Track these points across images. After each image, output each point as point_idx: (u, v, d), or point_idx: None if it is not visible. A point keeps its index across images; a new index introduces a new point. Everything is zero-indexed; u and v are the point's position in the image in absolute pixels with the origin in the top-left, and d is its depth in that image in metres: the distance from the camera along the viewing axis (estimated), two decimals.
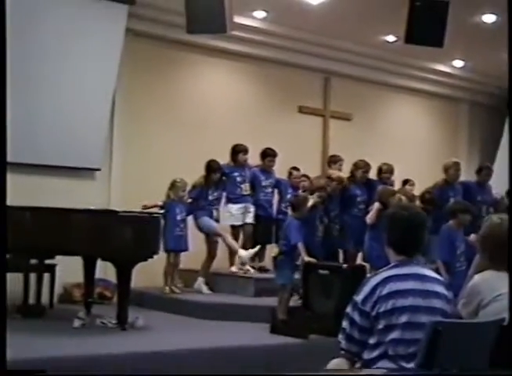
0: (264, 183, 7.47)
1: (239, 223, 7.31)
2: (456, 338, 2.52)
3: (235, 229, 7.36)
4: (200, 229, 7.03)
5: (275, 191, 7.68)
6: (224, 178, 7.16)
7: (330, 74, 9.45)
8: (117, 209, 5.84)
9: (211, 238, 7.09)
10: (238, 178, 7.28)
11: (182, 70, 8.32)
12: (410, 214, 2.79)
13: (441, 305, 2.71)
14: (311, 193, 6.51)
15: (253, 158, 7.52)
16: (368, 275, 4.30)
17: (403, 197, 6.35)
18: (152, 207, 6.68)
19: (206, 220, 6.99)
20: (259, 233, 7.37)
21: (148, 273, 6.48)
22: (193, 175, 7.14)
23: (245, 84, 8.88)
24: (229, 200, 7.27)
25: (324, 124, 9.52)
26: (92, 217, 5.59)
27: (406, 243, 2.74)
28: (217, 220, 7.14)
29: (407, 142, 10.16)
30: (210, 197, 7.05)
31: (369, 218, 6.29)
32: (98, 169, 7.58)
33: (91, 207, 5.71)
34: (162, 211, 6.59)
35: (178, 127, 8.25)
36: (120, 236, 5.48)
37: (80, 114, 7.09)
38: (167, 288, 6.94)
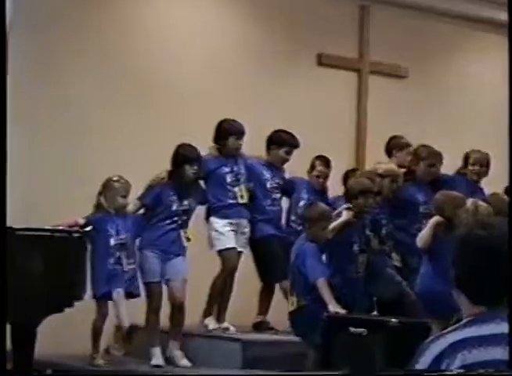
0: (269, 184, 7.49)
1: (230, 246, 7.22)
2: None
3: (226, 257, 7.26)
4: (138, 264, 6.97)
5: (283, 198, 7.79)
6: (200, 179, 7.19)
7: (369, 0, 9.53)
8: (14, 225, 5.66)
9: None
10: (229, 178, 7.26)
11: None
12: (494, 236, 2.70)
13: None
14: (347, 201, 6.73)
15: (246, 145, 7.52)
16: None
17: (482, 207, 6.53)
18: (66, 226, 6.46)
19: (148, 261, 6.85)
20: (265, 265, 7.36)
21: (63, 333, 6.64)
22: (144, 175, 7.08)
23: (233, 16, 8.88)
24: (213, 213, 7.26)
25: (360, 83, 9.50)
26: None
27: (488, 285, 2.68)
28: (167, 254, 7.00)
29: (498, 111, 9.70)
30: (175, 207, 6.92)
31: (421, 239, 6.49)
32: None
33: None
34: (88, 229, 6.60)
35: (115, 93, 8.07)
36: (18, 270, 5.42)
37: None
38: (98, 359, 6.86)
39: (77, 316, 6.14)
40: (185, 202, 6.99)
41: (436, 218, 6.51)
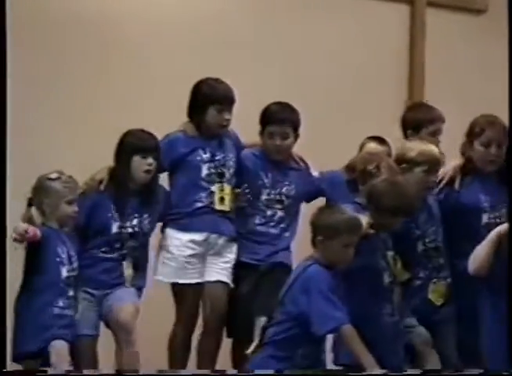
0: (266, 194, 5.62)
1: (194, 281, 5.48)
2: None
3: (183, 295, 5.53)
4: None
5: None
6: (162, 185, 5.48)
7: None
8: None
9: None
10: (204, 168, 5.42)
11: None
12: None
13: None
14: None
15: (241, 122, 5.67)
16: None
17: None
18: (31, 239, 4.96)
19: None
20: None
21: None
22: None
23: None
24: (169, 221, 5.49)
25: (413, 18, 8.08)
26: None
27: None
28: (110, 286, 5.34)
29: None
30: (116, 227, 5.26)
31: (475, 260, 5.17)
32: None
33: None
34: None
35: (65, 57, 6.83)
36: None
37: None
38: None
39: None
40: (134, 221, 5.24)
41: (502, 228, 4.99)
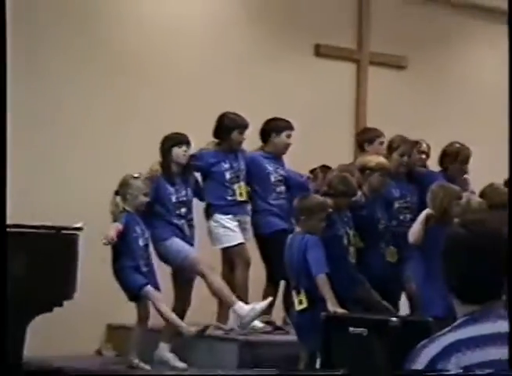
0: (274, 178, 7.26)
1: (237, 242, 7.04)
2: None
3: (232, 253, 7.10)
4: (163, 257, 6.88)
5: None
6: (196, 174, 7.09)
7: None
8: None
9: (183, 274, 6.88)
10: (227, 174, 7.04)
11: None
12: (477, 234, 2.71)
13: None
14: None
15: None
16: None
17: (474, 202, 6.60)
18: (117, 234, 6.40)
19: (175, 243, 6.76)
20: (272, 262, 7.09)
21: (52, 334, 6.56)
22: (140, 168, 6.89)
23: (229, 6, 8.80)
24: (216, 209, 7.06)
25: (359, 74, 9.42)
26: None
27: (476, 283, 2.67)
28: (189, 242, 6.96)
29: (501, 104, 9.72)
30: (175, 199, 6.77)
31: (412, 234, 6.33)
32: None
33: None
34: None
35: (110, 83, 7.91)
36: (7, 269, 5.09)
37: None
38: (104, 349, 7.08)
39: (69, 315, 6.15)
40: (183, 192, 6.82)
41: (426, 211, 6.31)
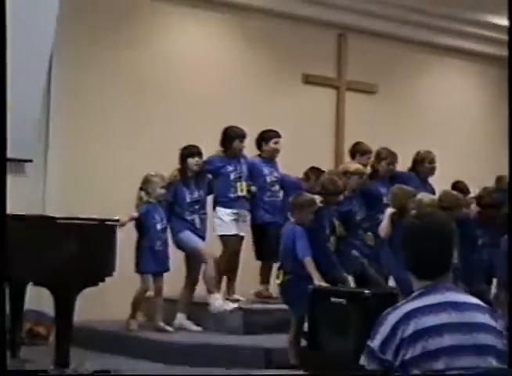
0: (269, 179, 7.61)
1: (231, 233, 7.42)
2: None
3: (228, 242, 7.46)
4: (180, 247, 7.28)
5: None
6: (209, 175, 7.40)
7: (346, 29, 9.65)
8: (55, 214, 5.97)
9: (192, 259, 7.31)
10: (232, 175, 7.45)
11: (144, 25, 8.48)
12: (426, 223, 2.83)
13: (492, 341, 2.73)
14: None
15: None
16: None
17: (426, 199, 6.56)
18: (130, 221, 6.90)
19: (187, 236, 7.19)
20: (264, 247, 7.48)
21: (96, 303, 6.67)
22: (162, 171, 7.28)
23: (232, 44, 9.07)
24: (218, 204, 7.46)
25: (338, 98, 9.71)
26: (20, 225, 5.59)
27: (426, 263, 2.79)
28: (200, 236, 7.30)
29: (453, 122, 10.34)
30: (189, 199, 7.22)
31: (381, 229, 6.55)
32: (28, 160, 7.70)
33: (19, 212, 5.69)
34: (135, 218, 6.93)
35: (139, 104, 8.33)
36: (60, 252, 5.58)
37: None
38: (133, 324, 7.15)
39: (111, 288, 6.14)
40: (196, 193, 7.24)
41: (389, 210, 6.54)
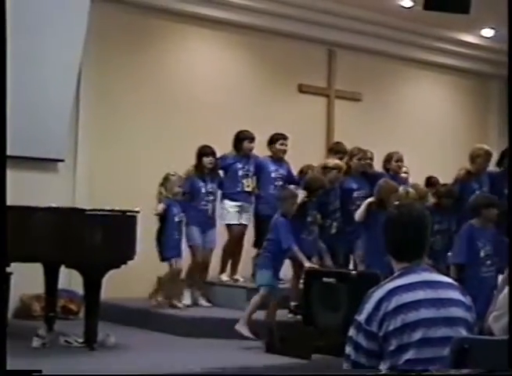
0: (274, 175, 7.56)
1: (234, 222, 7.41)
2: (486, 357, 2.55)
3: (232, 230, 7.46)
4: (186, 237, 7.20)
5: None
6: (221, 171, 7.37)
7: (335, 46, 9.65)
8: (84, 207, 6.01)
9: (191, 253, 7.30)
10: (240, 172, 7.45)
11: (163, 43, 8.46)
12: (405, 213, 2.86)
13: (462, 314, 2.76)
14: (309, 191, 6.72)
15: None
16: None
17: (408, 192, 6.57)
18: (162, 211, 6.89)
19: (191, 231, 7.15)
20: (261, 237, 7.16)
21: (120, 283, 6.60)
22: (178, 169, 7.22)
23: (236, 59, 9.05)
24: (225, 197, 7.45)
25: (329, 105, 9.69)
26: (54, 216, 5.68)
27: (405, 247, 2.82)
28: (211, 224, 7.26)
29: (428, 127, 10.35)
30: (204, 190, 7.18)
31: (358, 214, 6.44)
32: (61, 160, 7.68)
33: (53, 205, 5.80)
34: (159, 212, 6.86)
35: (158, 110, 8.31)
36: (89, 239, 5.63)
37: (38, 94, 7.10)
38: (155, 301, 7.12)
39: (133, 270, 6.12)
40: (209, 186, 7.25)
41: (370, 199, 6.47)
